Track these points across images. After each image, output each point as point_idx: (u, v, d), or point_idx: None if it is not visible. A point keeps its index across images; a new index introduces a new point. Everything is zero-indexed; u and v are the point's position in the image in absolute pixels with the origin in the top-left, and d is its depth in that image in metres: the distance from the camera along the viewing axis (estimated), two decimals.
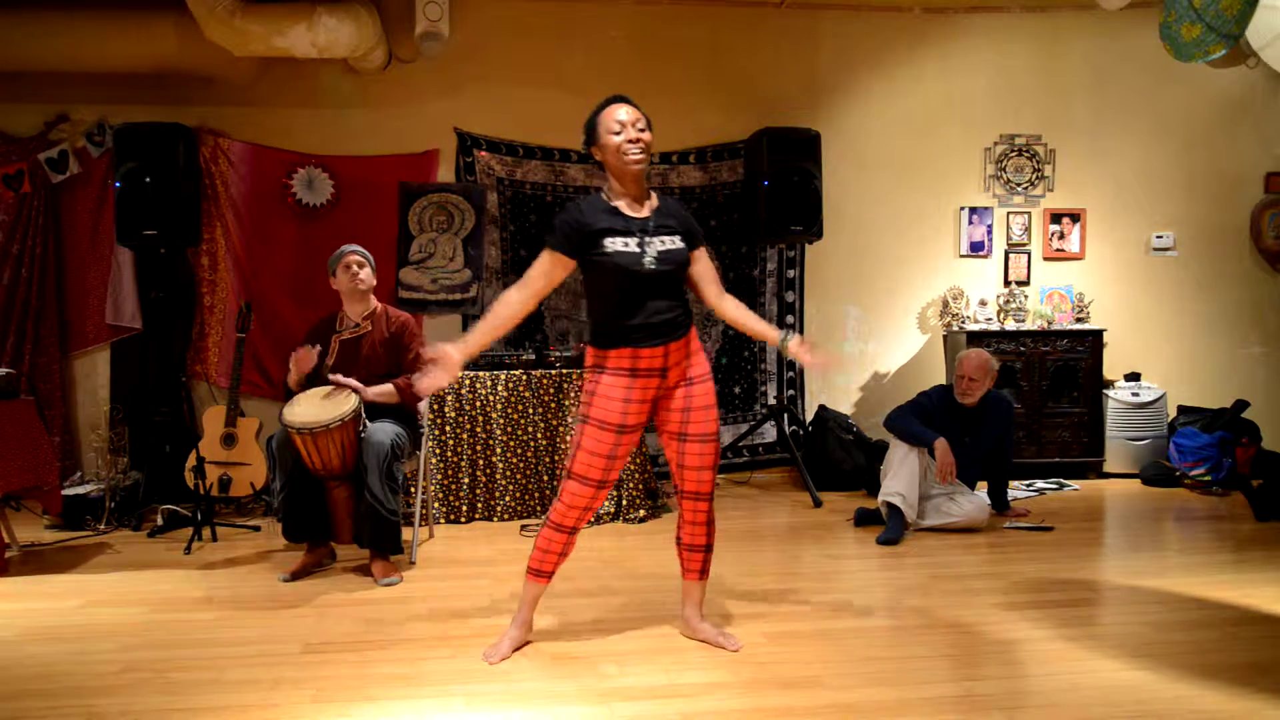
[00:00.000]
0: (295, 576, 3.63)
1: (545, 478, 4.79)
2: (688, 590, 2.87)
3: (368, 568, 3.64)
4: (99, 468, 5.12)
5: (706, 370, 2.78)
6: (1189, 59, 3.94)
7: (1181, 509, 5.01)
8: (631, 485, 4.73)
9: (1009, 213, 6.30)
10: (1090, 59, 6.28)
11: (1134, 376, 6.04)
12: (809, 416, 5.94)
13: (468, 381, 4.71)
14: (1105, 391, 5.94)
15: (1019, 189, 6.30)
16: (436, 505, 4.65)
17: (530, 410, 4.76)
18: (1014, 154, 6.29)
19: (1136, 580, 3.54)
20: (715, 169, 6.05)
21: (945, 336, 6.10)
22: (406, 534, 3.85)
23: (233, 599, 3.39)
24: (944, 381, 5.48)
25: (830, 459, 5.52)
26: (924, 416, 4.39)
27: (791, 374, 6.16)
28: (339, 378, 3.67)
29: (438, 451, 4.67)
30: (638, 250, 2.61)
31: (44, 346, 5.41)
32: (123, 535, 4.47)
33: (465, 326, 5.69)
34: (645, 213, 2.69)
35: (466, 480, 4.72)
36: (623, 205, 2.67)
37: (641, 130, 2.63)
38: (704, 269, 2.76)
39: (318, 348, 3.72)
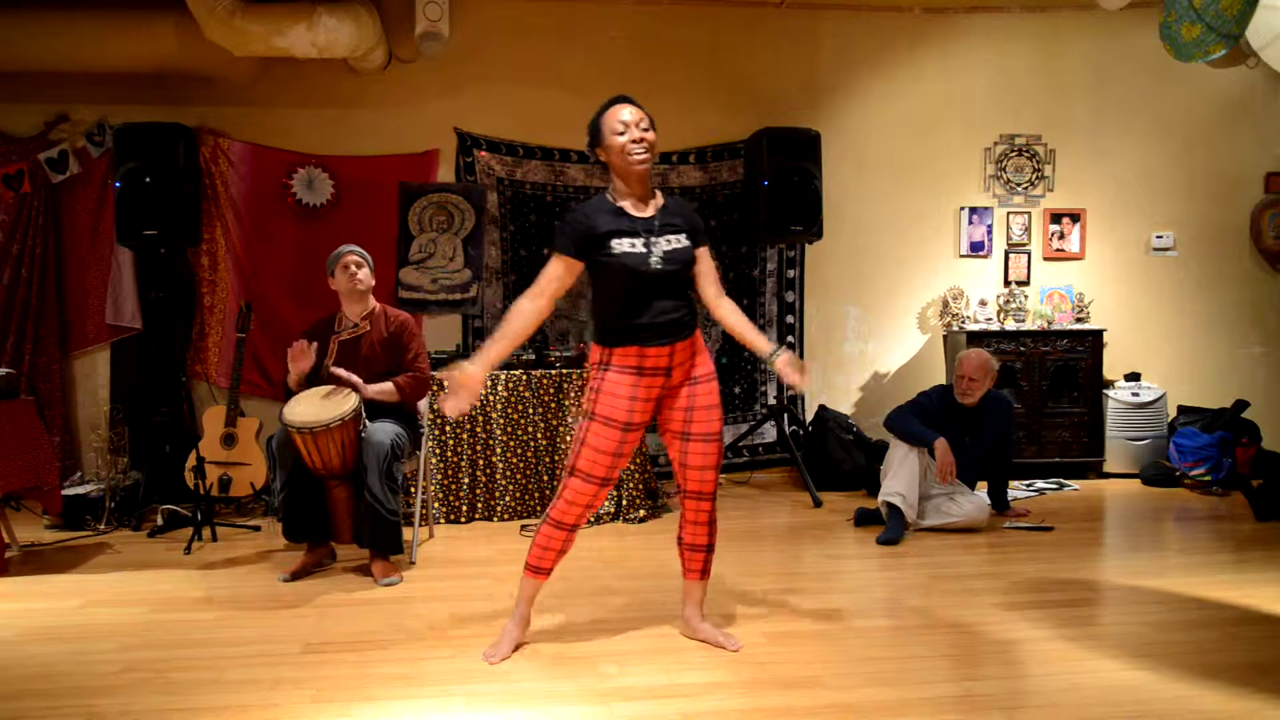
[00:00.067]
0: (295, 576, 3.63)
1: (545, 478, 4.79)
2: (688, 590, 2.87)
3: (368, 568, 3.64)
4: (99, 468, 5.12)
5: (710, 370, 2.78)
6: (1189, 59, 3.94)
7: (1181, 509, 5.01)
8: (631, 485, 4.73)
9: (1009, 213, 6.30)
10: (1090, 59, 6.28)
11: (1134, 376, 6.04)
12: (809, 416, 5.94)
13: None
14: (1105, 391, 5.94)
15: (1019, 189, 6.30)
16: (436, 505, 4.65)
17: (530, 410, 4.76)
18: (1014, 154, 6.29)
19: (1136, 580, 3.54)
20: (715, 169, 6.05)
21: (945, 336, 6.10)
22: (406, 534, 3.84)
23: (233, 599, 3.39)
24: (944, 381, 5.48)
25: (830, 459, 5.52)
26: (924, 416, 4.39)
27: None
28: (340, 371, 3.68)
29: (438, 451, 4.67)
30: (644, 250, 2.61)
31: (44, 346, 5.41)
32: (123, 535, 4.47)
33: (465, 326, 5.70)
34: (650, 212, 2.69)
35: (466, 480, 4.72)
36: (628, 205, 2.67)
37: (646, 130, 2.63)
38: (705, 268, 2.76)
39: (315, 345, 3.71)
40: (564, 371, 4.81)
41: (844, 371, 6.23)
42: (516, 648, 2.78)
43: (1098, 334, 5.92)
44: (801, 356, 6.14)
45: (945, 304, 6.07)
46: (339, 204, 5.66)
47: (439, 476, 4.67)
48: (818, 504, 5.08)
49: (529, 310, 2.67)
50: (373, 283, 3.89)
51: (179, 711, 2.38)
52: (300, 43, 4.99)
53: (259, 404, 5.39)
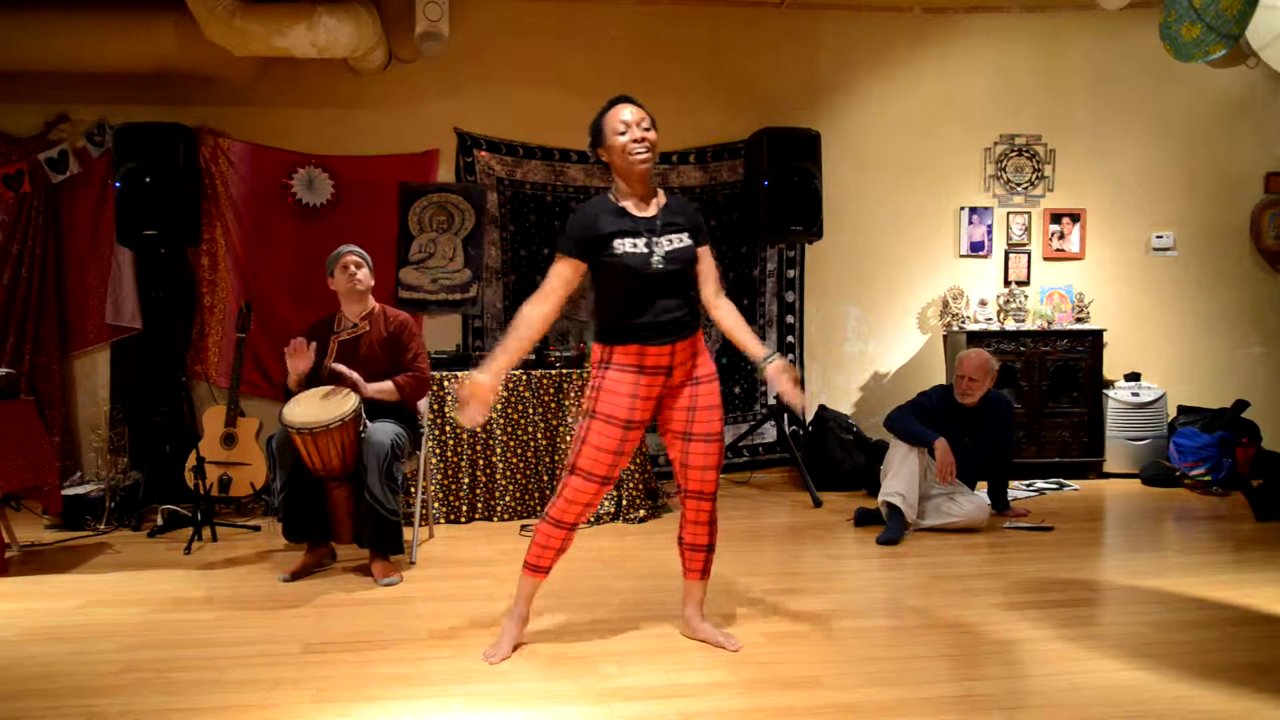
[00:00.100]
0: (295, 576, 3.63)
1: (545, 478, 4.79)
2: (689, 590, 2.87)
3: (368, 568, 3.64)
4: (99, 468, 5.12)
5: (712, 370, 2.78)
6: (1189, 59, 3.94)
7: (1181, 509, 5.01)
8: (631, 485, 4.73)
9: (1009, 213, 6.30)
10: (1090, 59, 6.28)
11: (1134, 376, 6.04)
12: (809, 416, 5.94)
13: (467, 382, 4.70)
14: (1105, 391, 5.94)
15: (1019, 189, 6.30)
16: (436, 505, 4.65)
17: (530, 410, 4.76)
18: (1014, 154, 6.29)
19: (1136, 580, 3.54)
20: (715, 169, 6.05)
21: (945, 336, 6.10)
22: (406, 534, 3.84)
23: (233, 599, 3.39)
24: (944, 381, 5.48)
25: (830, 459, 5.52)
26: (924, 416, 4.39)
27: None
28: (340, 367, 3.68)
29: (438, 451, 4.67)
30: (646, 250, 2.61)
31: (44, 346, 5.41)
32: (123, 535, 4.47)
33: (465, 326, 5.70)
34: (652, 211, 2.69)
35: (466, 480, 4.72)
36: (629, 205, 2.67)
37: (647, 130, 2.63)
38: (706, 267, 2.75)
39: (314, 344, 3.71)
40: (564, 371, 4.81)
41: (844, 371, 6.23)
42: (516, 647, 2.78)
43: (1098, 334, 5.92)
44: (801, 356, 6.14)
45: (945, 304, 6.07)
46: (339, 204, 5.66)
47: (439, 476, 4.67)
48: (818, 504, 5.08)
49: (536, 315, 2.66)
50: (372, 283, 3.89)
51: (179, 711, 2.38)
52: (300, 43, 4.99)
53: (259, 404, 5.38)
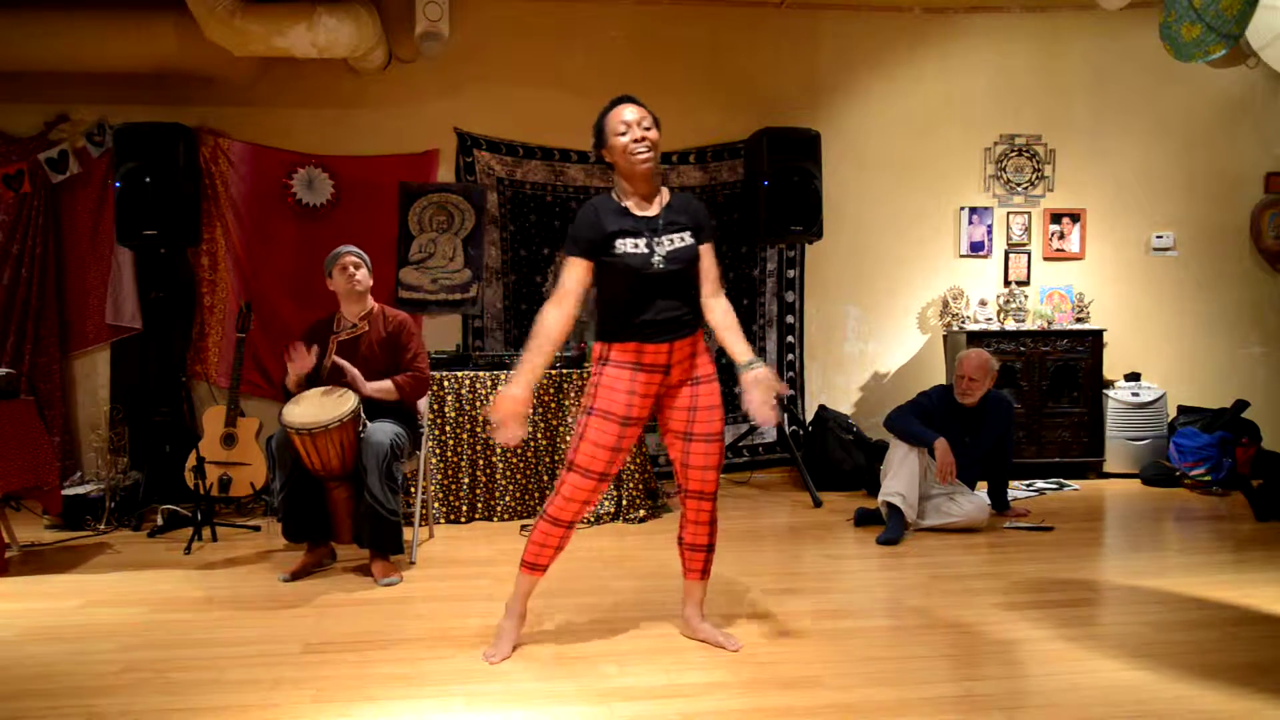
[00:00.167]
0: (295, 576, 3.63)
1: (545, 477, 4.79)
2: (689, 590, 2.87)
3: (368, 568, 3.64)
4: (99, 468, 5.12)
5: (712, 370, 2.78)
6: (1189, 59, 3.93)
7: (1181, 509, 5.01)
8: (631, 485, 4.73)
9: (1009, 213, 6.30)
10: (1090, 59, 6.28)
11: (1134, 376, 6.04)
12: (809, 416, 5.94)
13: (468, 381, 4.71)
14: (1105, 391, 5.94)
15: (1019, 189, 6.30)
16: (436, 505, 4.65)
17: (530, 410, 4.75)
18: (1014, 154, 6.29)
19: (1136, 580, 3.54)
20: (715, 169, 6.05)
21: (945, 336, 6.10)
22: (406, 534, 3.84)
23: (233, 599, 3.39)
24: (944, 381, 5.48)
25: (830, 459, 5.52)
26: (924, 416, 4.39)
27: (791, 374, 6.16)
28: (341, 361, 3.68)
29: (438, 451, 4.67)
30: (646, 250, 2.62)
31: (44, 346, 5.41)
32: (123, 535, 4.47)
33: (465, 326, 5.70)
34: (654, 211, 2.69)
35: (466, 480, 4.72)
36: (631, 205, 2.68)
37: (648, 129, 2.63)
38: (706, 265, 2.74)
39: (315, 349, 3.71)
40: (564, 371, 4.81)
41: (844, 371, 6.23)
42: (516, 647, 2.78)
43: (1098, 334, 5.93)
44: (801, 356, 6.14)
45: (945, 304, 6.07)
46: (339, 204, 5.66)
47: (439, 476, 4.67)
48: (818, 504, 5.08)
49: (557, 318, 2.63)
50: (370, 283, 3.89)
51: (179, 711, 2.38)
52: (300, 43, 4.99)
53: (259, 404, 5.38)
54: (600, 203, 2.69)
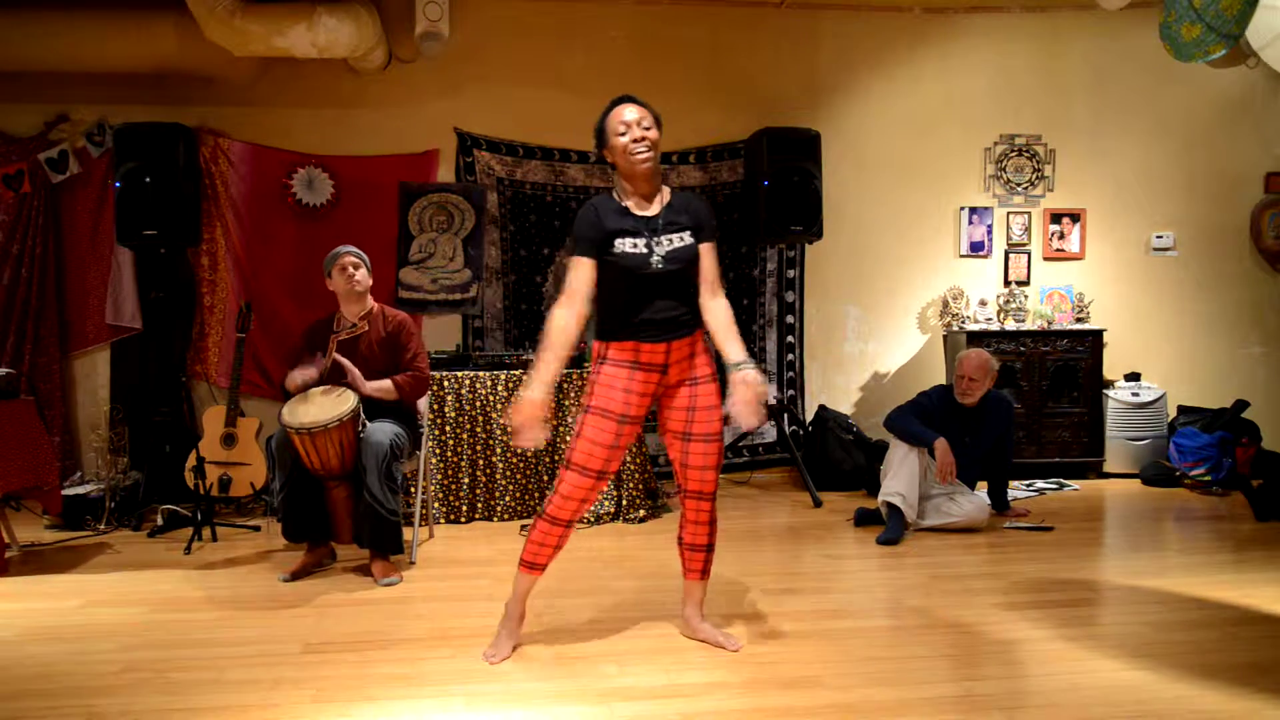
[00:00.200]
0: (295, 576, 3.63)
1: (545, 478, 4.79)
2: (688, 590, 2.87)
3: (368, 568, 3.64)
4: (99, 468, 5.12)
5: (711, 370, 2.78)
6: (1189, 59, 3.93)
7: (1181, 509, 5.01)
8: (631, 485, 4.73)
9: (1009, 213, 6.30)
10: (1090, 59, 6.28)
11: (1134, 376, 6.04)
12: (809, 416, 5.94)
13: (468, 381, 4.71)
14: (1105, 391, 5.94)
15: (1019, 189, 6.30)
16: (436, 505, 4.65)
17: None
18: (1014, 154, 6.29)
19: (1136, 580, 3.54)
20: (715, 169, 6.05)
21: (945, 336, 6.10)
22: (406, 534, 3.84)
23: (233, 599, 3.39)
24: (944, 381, 5.48)
25: (830, 459, 5.52)
26: (924, 416, 4.39)
27: (791, 374, 6.16)
28: (342, 359, 3.69)
29: (438, 451, 4.67)
30: (645, 250, 2.62)
31: (44, 346, 5.41)
32: (123, 535, 4.47)
33: (465, 326, 5.70)
34: (654, 210, 2.68)
35: (466, 480, 4.72)
36: (631, 204, 2.68)
37: (648, 129, 2.63)
38: (706, 264, 2.74)
39: (318, 354, 3.72)
40: (564, 371, 4.80)
41: (844, 371, 6.23)
42: (515, 647, 2.78)
43: (1098, 334, 5.93)
44: (801, 356, 6.14)
45: (945, 304, 6.07)
46: (339, 204, 5.66)
47: (439, 476, 4.67)
48: (818, 504, 5.08)
49: (569, 318, 2.62)
50: (370, 283, 3.89)
51: (179, 711, 2.38)
52: (300, 43, 4.99)
53: (259, 404, 5.38)
54: (600, 202, 2.70)
